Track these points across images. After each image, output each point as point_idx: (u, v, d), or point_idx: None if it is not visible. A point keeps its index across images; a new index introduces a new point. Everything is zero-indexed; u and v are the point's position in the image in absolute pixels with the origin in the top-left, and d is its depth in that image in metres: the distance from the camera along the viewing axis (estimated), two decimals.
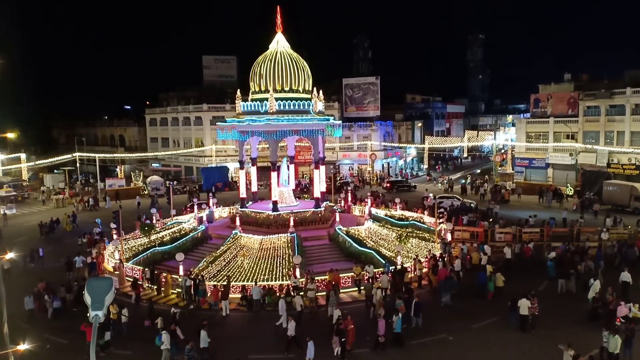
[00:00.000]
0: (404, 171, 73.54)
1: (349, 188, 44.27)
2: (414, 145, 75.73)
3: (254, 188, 36.59)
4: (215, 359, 18.13)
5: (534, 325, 19.74)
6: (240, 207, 33.94)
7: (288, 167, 35.46)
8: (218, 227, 33.81)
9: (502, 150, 69.40)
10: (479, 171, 72.16)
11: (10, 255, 25.33)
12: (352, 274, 25.05)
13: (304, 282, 23.83)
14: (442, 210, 36.80)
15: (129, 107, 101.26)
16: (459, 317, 21.43)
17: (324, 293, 23.05)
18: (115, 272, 27.06)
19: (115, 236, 31.04)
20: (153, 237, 32.08)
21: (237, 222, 31.03)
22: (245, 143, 33.66)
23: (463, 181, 57.70)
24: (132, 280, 25.44)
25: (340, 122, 37.58)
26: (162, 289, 25.07)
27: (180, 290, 24.63)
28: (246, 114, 31.73)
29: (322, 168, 34.27)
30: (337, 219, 31.83)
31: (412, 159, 77.50)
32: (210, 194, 41.05)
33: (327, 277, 24.22)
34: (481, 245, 29.08)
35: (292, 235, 28.86)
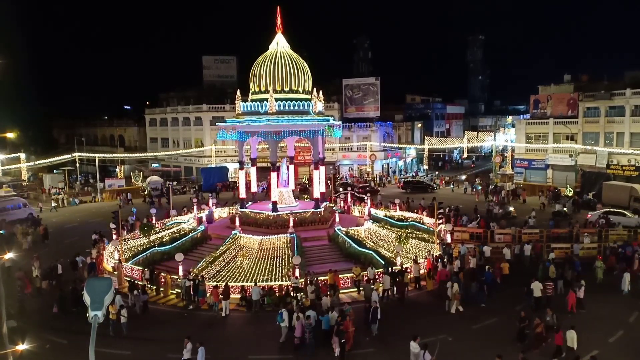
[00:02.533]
0: (418, 171, 72.22)
1: (348, 190, 44.21)
2: (413, 146, 75.74)
3: (254, 188, 36.59)
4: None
5: (548, 305, 20.83)
6: (240, 208, 33.94)
7: (288, 167, 35.48)
8: (217, 227, 33.81)
9: (502, 152, 69.11)
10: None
11: (9, 255, 25.43)
12: (352, 274, 25.04)
13: (303, 283, 23.87)
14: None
15: (128, 107, 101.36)
16: (459, 318, 21.43)
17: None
18: (115, 272, 27.04)
19: (114, 236, 31.09)
20: (152, 237, 32.07)
21: (237, 223, 31.05)
22: (245, 143, 33.66)
23: (479, 187, 53.59)
24: (129, 281, 25.41)
25: (340, 122, 37.66)
26: (162, 289, 25.06)
27: (179, 291, 24.61)
28: (246, 114, 31.74)
29: (322, 168, 34.27)
30: (337, 219, 31.84)
31: (412, 160, 77.51)
32: (210, 194, 41.10)
33: (326, 277, 24.24)
34: (480, 246, 29.10)
35: (292, 235, 28.86)
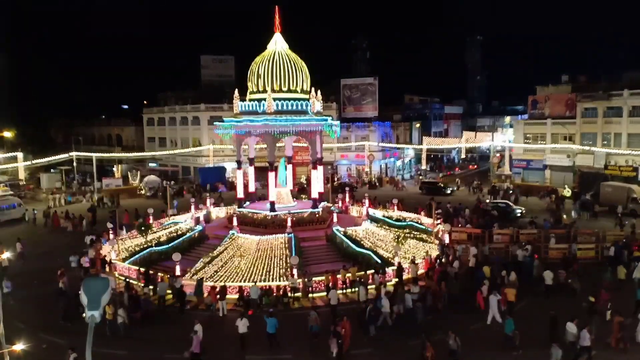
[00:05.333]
0: (428, 171, 71.15)
1: (347, 189, 44.13)
2: (411, 146, 75.76)
3: (252, 188, 36.54)
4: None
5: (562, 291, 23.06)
6: (238, 208, 33.88)
7: (286, 167, 35.43)
8: (215, 227, 33.74)
9: (501, 152, 69.12)
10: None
11: (6, 255, 25.41)
12: (349, 275, 24.93)
13: (301, 283, 23.83)
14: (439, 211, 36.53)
15: (126, 106, 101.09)
16: (457, 319, 21.39)
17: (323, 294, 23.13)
18: (114, 272, 26.94)
19: (112, 236, 31.00)
20: (150, 237, 31.96)
21: (235, 223, 30.98)
22: (243, 143, 33.60)
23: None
24: (125, 280, 25.28)
25: (338, 122, 37.58)
26: (158, 289, 24.89)
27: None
28: (244, 114, 31.69)
29: (320, 168, 34.25)
30: (335, 219, 31.79)
31: (410, 160, 77.53)
32: (207, 194, 41.06)
33: (323, 278, 24.21)
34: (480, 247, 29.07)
35: (290, 235, 28.82)
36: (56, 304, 22.45)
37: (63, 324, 21.36)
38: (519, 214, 39.81)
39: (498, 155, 64.90)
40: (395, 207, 38.59)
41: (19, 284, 25.06)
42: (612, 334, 18.38)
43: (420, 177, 64.61)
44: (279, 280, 24.59)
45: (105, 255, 28.64)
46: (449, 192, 53.34)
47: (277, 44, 32.53)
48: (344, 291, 24.64)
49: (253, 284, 23.41)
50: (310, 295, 23.91)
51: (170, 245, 29.49)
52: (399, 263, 26.03)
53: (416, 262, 26.18)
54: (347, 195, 41.08)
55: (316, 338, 19.30)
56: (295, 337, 19.82)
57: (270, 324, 19.08)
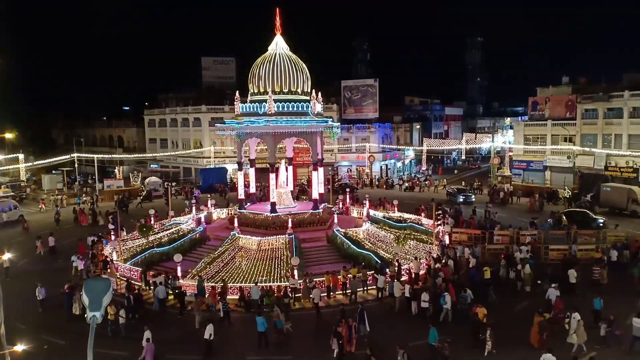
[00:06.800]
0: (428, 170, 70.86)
1: (348, 190, 44.16)
2: (412, 148, 75.85)
3: (252, 189, 36.61)
4: None
5: (599, 289, 22.88)
6: (239, 209, 33.96)
7: (287, 168, 35.49)
8: (216, 228, 33.82)
9: (501, 153, 69.07)
10: None
11: (7, 255, 25.50)
12: (350, 275, 25.02)
13: (302, 284, 23.90)
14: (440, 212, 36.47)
15: (127, 107, 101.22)
16: (456, 320, 21.45)
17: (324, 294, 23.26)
18: (116, 273, 27.02)
19: (113, 237, 31.10)
20: (151, 238, 32.04)
21: (235, 224, 31.06)
22: (244, 144, 33.67)
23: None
24: (126, 281, 25.35)
25: (339, 123, 37.67)
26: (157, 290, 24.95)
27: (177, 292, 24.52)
28: (245, 115, 31.78)
29: (321, 170, 34.30)
30: (336, 220, 31.86)
31: (410, 161, 77.61)
32: (208, 195, 41.13)
33: (324, 279, 24.28)
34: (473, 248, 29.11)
35: (291, 236, 28.89)
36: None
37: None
38: (601, 224, 35.63)
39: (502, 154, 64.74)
40: (395, 208, 38.61)
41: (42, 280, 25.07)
42: (532, 334, 18.60)
43: (416, 178, 64.35)
44: (280, 281, 24.68)
45: (106, 256, 28.75)
46: (472, 199, 49.23)
47: (278, 45, 32.62)
48: (345, 292, 24.73)
49: (254, 284, 23.49)
50: (310, 296, 23.96)
51: (171, 246, 29.58)
52: (398, 261, 26.22)
53: (419, 259, 26.34)
54: (347, 196, 41.13)
55: (283, 335, 19.65)
56: (295, 338, 19.88)
57: (260, 323, 19.24)
